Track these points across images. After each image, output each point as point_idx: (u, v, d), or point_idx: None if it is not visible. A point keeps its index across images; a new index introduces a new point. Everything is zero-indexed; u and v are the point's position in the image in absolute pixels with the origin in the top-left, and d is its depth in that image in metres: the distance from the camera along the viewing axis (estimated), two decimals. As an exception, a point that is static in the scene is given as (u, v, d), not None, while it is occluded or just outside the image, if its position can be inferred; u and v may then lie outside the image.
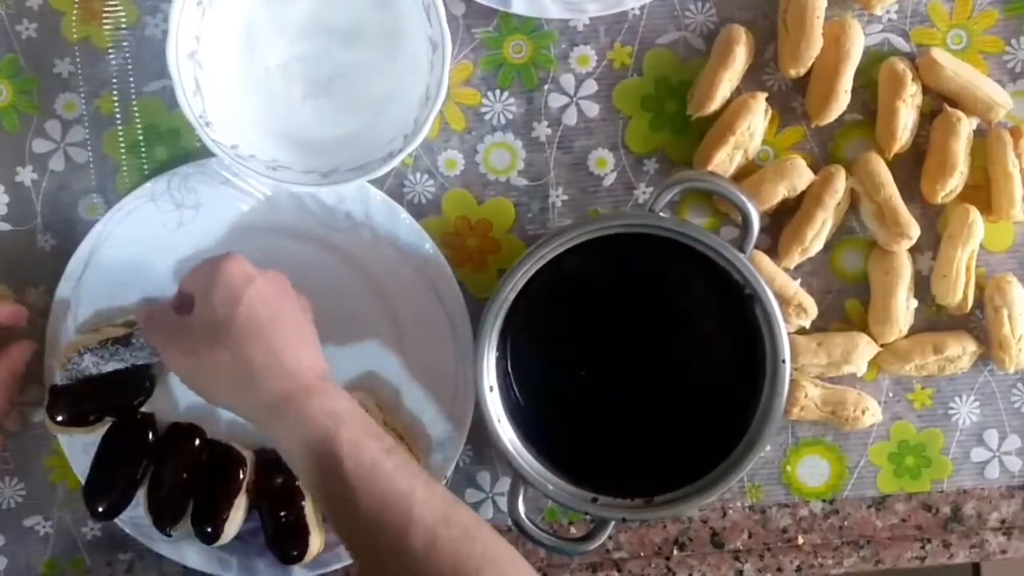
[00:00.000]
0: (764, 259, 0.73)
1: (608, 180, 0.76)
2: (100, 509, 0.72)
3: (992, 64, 0.75)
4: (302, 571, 0.74)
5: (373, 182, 0.72)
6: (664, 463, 0.71)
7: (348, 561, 0.74)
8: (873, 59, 0.74)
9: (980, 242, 0.73)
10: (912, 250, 0.74)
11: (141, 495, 0.73)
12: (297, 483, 0.72)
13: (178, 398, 0.75)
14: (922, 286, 0.75)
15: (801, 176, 0.73)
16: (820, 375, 0.75)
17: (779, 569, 0.78)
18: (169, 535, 0.73)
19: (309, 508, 0.72)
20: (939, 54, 0.72)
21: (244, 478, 0.72)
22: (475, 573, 0.58)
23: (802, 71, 0.73)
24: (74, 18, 0.74)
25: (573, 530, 0.77)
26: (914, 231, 0.72)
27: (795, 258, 0.73)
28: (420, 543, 0.58)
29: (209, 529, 0.72)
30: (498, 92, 0.75)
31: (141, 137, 0.75)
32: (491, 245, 0.76)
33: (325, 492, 0.62)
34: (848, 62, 0.72)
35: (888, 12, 0.74)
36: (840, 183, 0.72)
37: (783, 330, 0.68)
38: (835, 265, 0.76)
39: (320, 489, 0.62)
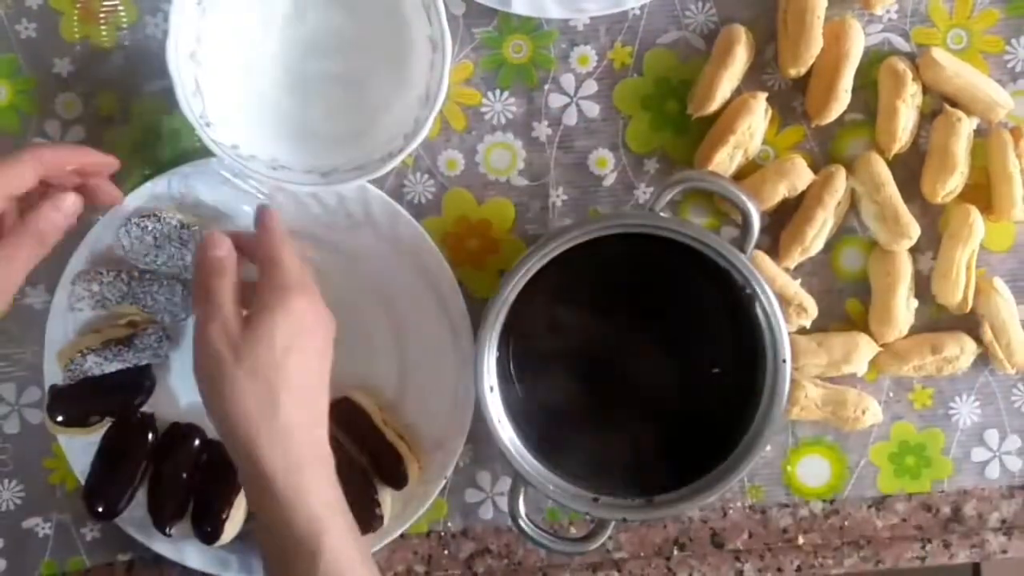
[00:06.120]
0: (765, 259, 0.73)
1: (608, 180, 0.76)
2: (99, 509, 0.72)
3: (992, 64, 0.75)
4: (302, 571, 0.74)
5: (373, 182, 0.72)
6: (664, 463, 0.71)
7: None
8: (873, 59, 0.74)
9: (980, 242, 0.73)
10: (912, 250, 0.74)
11: (141, 495, 0.73)
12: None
13: (178, 398, 0.75)
14: (922, 286, 0.75)
15: (801, 176, 0.73)
16: (820, 375, 0.75)
17: (779, 569, 0.78)
18: (169, 535, 0.73)
19: (309, 508, 0.72)
20: (939, 54, 0.72)
21: (244, 478, 0.72)
22: None
23: (802, 71, 0.73)
24: (74, 18, 0.74)
25: (573, 530, 0.77)
26: (914, 231, 0.72)
27: (795, 258, 0.73)
28: None
29: (209, 529, 0.72)
30: (498, 92, 0.75)
31: (141, 137, 0.75)
32: (491, 245, 0.76)
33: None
34: (848, 62, 0.72)
35: (888, 12, 0.74)
36: (840, 183, 0.72)
37: (784, 330, 0.68)
38: (835, 265, 0.76)
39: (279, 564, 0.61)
